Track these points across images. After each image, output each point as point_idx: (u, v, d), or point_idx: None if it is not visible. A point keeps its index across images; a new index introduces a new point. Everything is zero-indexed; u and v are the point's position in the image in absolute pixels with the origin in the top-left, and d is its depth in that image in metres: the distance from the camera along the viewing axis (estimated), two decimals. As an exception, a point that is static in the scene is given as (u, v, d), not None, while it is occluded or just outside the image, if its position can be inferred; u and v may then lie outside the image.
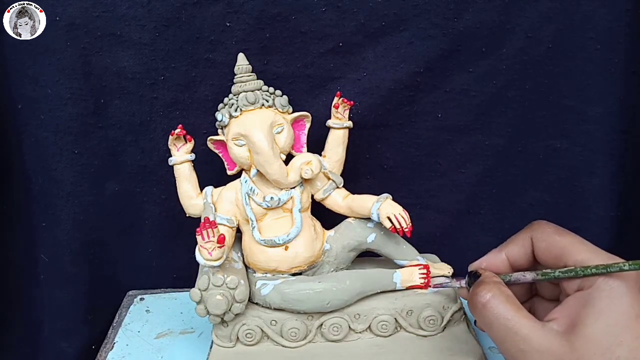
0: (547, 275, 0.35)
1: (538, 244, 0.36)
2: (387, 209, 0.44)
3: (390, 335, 0.46)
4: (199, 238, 0.41)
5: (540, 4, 0.49)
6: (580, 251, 0.33)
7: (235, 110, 0.45)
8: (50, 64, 0.49)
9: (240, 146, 0.45)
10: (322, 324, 0.46)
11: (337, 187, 0.48)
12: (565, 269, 0.34)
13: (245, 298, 0.44)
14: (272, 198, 0.46)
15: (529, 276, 0.37)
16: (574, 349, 0.30)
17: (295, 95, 0.48)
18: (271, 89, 0.47)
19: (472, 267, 0.39)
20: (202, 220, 0.42)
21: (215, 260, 0.41)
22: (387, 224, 0.44)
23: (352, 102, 0.48)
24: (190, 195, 0.48)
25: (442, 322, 0.46)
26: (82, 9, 0.48)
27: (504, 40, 0.50)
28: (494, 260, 0.38)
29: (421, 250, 0.49)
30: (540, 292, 0.39)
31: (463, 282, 0.41)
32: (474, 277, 0.37)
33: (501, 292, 0.34)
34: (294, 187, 0.46)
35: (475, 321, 0.38)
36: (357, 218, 0.48)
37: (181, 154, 0.48)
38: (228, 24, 0.49)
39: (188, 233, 0.43)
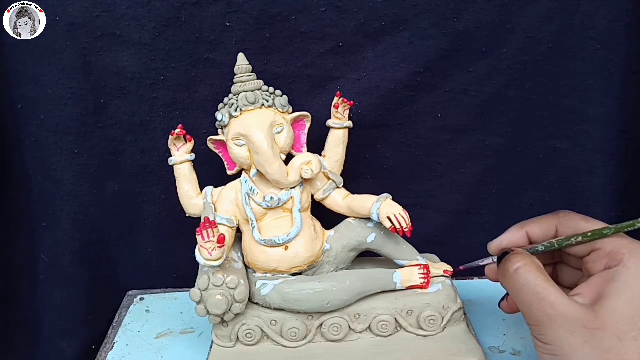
0: (552, 246, 0.38)
1: (564, 230, 0.37)
2: (387, 209, 0.44)
3: (390, 335, 0.46)
4: (199, 238, 0.41)
5: (540, 4, 0.49)
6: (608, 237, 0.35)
7: (236, 110, 0.45)
8: (50, 64, 0.49)
9: (240, 146, 0.45)
10: (322, 324, 0.46)
11: (337, 187, 0.48)
12: (562, 238, 0.37)
13: (245, 298, 0.44)
14: (272, 198, 0.46)
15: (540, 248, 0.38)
16: (598, 317, 0.31)
17: (295, 95, 0.48)
18: (271, 89, 0.47)
19: (492, 245, 0.40)
20: (202, 220, 0.42)
21: (215, 260, 0.41)
22: (387, 224, 0.44)
23: (352, 102, 0.48)
24: (191, 195, 0.48)
25: (442, 322, 0.46)
26: (82, 9, 0.48)
27: (504, 40, 0.50)
28: (513, 238, 0.39)
29: (421, 250, 0.49)
30: (565, 260, 0.40)
31: (489, 260, 0.42)
32: (505, 255, 0.38)
33: (533, 262, 0.35)
34: (294, 187, 0.46)
35: (503, 300, 0.41)
36: (357, 218, 0.48)
37: (181, 154, 0.48)
38: (228, 24, 0.49)
39: (188, 233, 0.43)
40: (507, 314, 0.47)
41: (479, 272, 0.44)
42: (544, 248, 0.38)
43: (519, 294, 0.35)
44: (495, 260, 0.41)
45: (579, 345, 0.31)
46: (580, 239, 0.36)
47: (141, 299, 0.58)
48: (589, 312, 0.32)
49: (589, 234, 0.36)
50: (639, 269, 0.32)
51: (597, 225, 0.36)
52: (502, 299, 0.42)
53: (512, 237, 0.39)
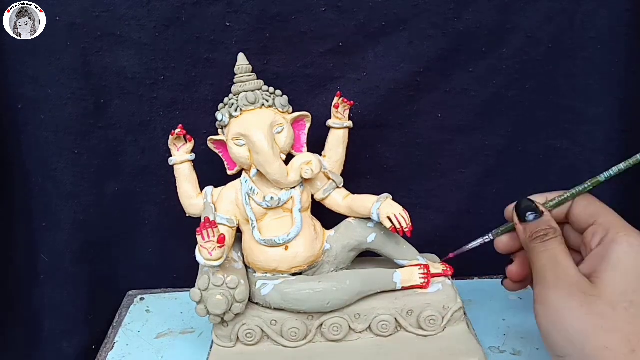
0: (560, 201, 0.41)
1: (579, 201, 0.40)
2: (387, 208, 0.44)
3: (390, 335, 0.46)
4: (199, 238, 0.41)
5: (540, 4, 0.49)
6: (610, 213, 0.38)
7: (236, 110, 0.45)
8: (50, 64, 0.49)
9: (241, 146, 0.45)
10: (322, 324, 0.46)
11: (337, 187, 0.48)
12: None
13: (246, 298, 0.44)
14: (272, 198, 0.46)
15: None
16: (596, 287, 0.34)
17: (295, 95, 0.48)
18: (271, 89, 0.47)
19: (510, 206, 0.43)
20: (202, 220, 0.42)
21: (215, 260, 0.41)
22: (387, 224, 0.44)
23: (352, 102, 0.48)
24: (191, 195, 0.48)
25: (442, 322, 0.46)
26: (82, 9, 0.48)
27: (504, 40, 0.50)
28: (535, 199, 0.42)
29: (421, 250, 0.49)
30: (567, 239, 0.41)
31: (480, 241, 0.45)
32: (533, 209, 0.40)
33: (561, 236, 0.39)
34: (294, 187, 0.46)
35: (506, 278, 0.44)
36: (357, 218, 0.48)
37: (181, 154, 0.48)
38: (228, 24, 0.49)
39: (188, 233, 0.43)
40: (507, 314, 0.47)
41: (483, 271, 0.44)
42: (560, 199, 0.41)
43: (539, 256, 0.38)
44: (485, 240, 0.45)
45: (576, 307, 0.34)
46: (591, 183, 0.40)
47: (141, 299, 0.58)
48: (588, 282, 0.35)
49: (599, 181, 0.40)
50: (629, 246, 0.35)
51: (609, 208, 0.39)
52: (505, 277, 0.44)
53: (533, 199, 0.42)
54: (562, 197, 0.41)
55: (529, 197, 0.42)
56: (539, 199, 0.42)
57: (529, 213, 0.40)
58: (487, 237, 0.45)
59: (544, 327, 0.36)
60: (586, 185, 0.40)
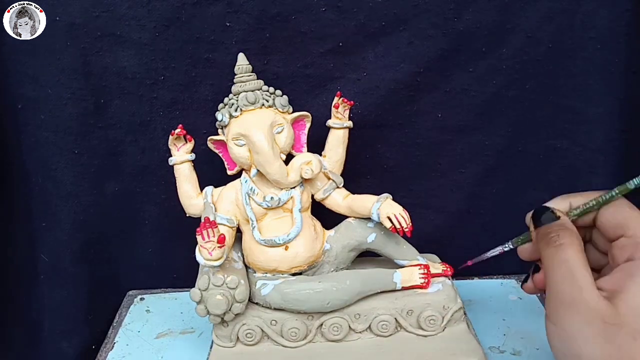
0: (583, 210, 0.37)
1: (606, 207, 0.36)
2: (387, 208, 0.44)
3: (390, 335, 0.46)
4: (199, 238, 0.41)
5: (540, 4, 0.49)
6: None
7: (236, 110, 0.45)
8: (50, 64, 0.49)
9: (241, 146, 0.45)
10: (322, 324, 0.46)
11: (337, 187, 0.48)
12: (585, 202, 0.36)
13: (246, 298, 0.44)
14: (272, 198, 0.46)
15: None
16: (617, 313, 0.31)
17: (295, 95, 0.48)
18: (271, 89, 0.47)
19: (528, 215, 0.39)
20: (202, 220, 0.42)
21: (215, 260, 0.41)
22: (387, 224, 0.44)
23: (352, 102, 0.48)
24: (190, 195, 0.48)
25: (442, 322, 0.46)
26: (82, 9, 0.48)
27: (504, 40, 0.50)
28: (556, 206, 0.38)
29: (421, 250, 0.49)
30: (594, 241, 0.39)
31: (508, 245, 0.42)
32: (550, 216, 0.37)
33: (579, 243, 0.35)
34: (294, 187, 0.46)
35: (526, 281, 0.39)
36: (357, 218, 0.48)
37: (181, 154, 0.48)
38: (228, 24, 0.49)
39: (188, 233, 0.43)
40: (507, 314, 0.47)
41: (483, 271, 0.44)
42: (584, 208, 0.37)
43: (554, 267, 0.34)
44: (510, 246, 0.41)
45: (593, 337, 0.31)
46: (619, 190, 0.36)
47: (141, 299, 0.58)
48: (609, 307, 0.31)
49: (627, 188, 0.35)
50: None
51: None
52: (525, 280, 0.40)
53: (555, 205, 0.39)
54: (587, 206, 0.37)
55: (547, 204, 0.39)
56: (561, 203, 0.39)
57: (544, 218, 0.37)
58: (506, 245, 0.42)
59: (556, 348, 0.33)
60: (614, 193, 0.36)
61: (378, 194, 0.46)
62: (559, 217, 0.37)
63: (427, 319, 0.46)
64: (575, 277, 0.33)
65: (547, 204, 0.39)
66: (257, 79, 0.47)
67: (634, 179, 0.35)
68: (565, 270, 0.33)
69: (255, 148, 0.44)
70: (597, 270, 0.37)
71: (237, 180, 0.48)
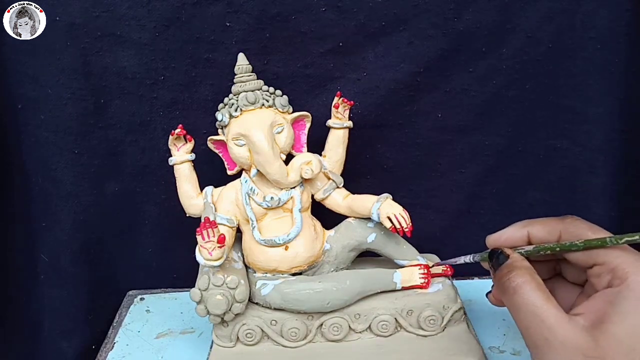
0: (547, 249, 0.35)
1: (567, 237, 0.35)
2: (387, 208, 0.44)
3: (390, 335, 0.46)
4: (199, 238, 0.41)
5: (540, 4, 0.49)
6: (614, 249, 0.32)
7: (236, 110, 0.45)
8: (50, 64, 0.49)
9: (241, 146, 0.45)
10: (322, 324, 0.46)
11: (337, 187, 0.48)
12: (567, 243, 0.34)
13: (246, 298, 0.44)
14: (272, 198, 0.46)
15: (528, 248, 0.37)
16: (598, 346, 0.30)
17: (295, 95, 0.48)
18: (271, 89, 0.47)
19: (490, 239, 0.38)
20: (202, 220, 0.42)
21: (215, 260, 0.41)
22: (387, 224, 0.44)
23: (352, 102, 0.48)
24: (191, 195, 0.48)
25: (442, 322, 0.46)
26: (82, 9, 0.48)
27: (504, 40, 0.50)
28: (513, 235, 0.37)
29: (421, 250, 0.49)
30: (563, 274, 0.38)
31: (471, 258, 0.42)
32: (502, 258, 0.36)
33: (533, 279, 0.33)
34: (294, 187, 0.46)
35: (490, 292, 0.39)
36: (357, 218, 0.48)
37: (181, 154, 0.48)
38: (228, 24, 0.49)
39: (188, 233, 0.43)
40: (507, 314, 0.47)
41: (483, 271, 0.44)
42: (535, 250, 0.36)
43: (517, 313, 0.33)
44: (472, 259, 0.41)
45: None
46: (578, 245, 0.33)
47: (141, 299, 0.58)
48: (588, 338, 0.30)
49: (591, 242, 0.33)
50: None
51: (603, 235, 0.33)
52: (490, 291, 0.40)
53: (512, 234, 0.38)
54: (546, 247, 0.35)
55: (502, 233, 0.38)
56: (517, 233, 0.37)
57: (496, 261, 0.36)
58: (472, 258, 0.42)
59: None
60: (578, 243, 0.33)
61: (378, 194, 0.46)
62: (508, 256, 0.35)
63: (427, 319, 0.46)
64: (541, 318, 0.32)
65: (504, 231, 0.38)
66: (257, 79, 0.47)
67: (585, 241, 0.33)
68: (528, 313, 0.32)
69: (255, 148, 0.44)
70: (571, 303, 0.35)
71: (237, 180, 0.48)
